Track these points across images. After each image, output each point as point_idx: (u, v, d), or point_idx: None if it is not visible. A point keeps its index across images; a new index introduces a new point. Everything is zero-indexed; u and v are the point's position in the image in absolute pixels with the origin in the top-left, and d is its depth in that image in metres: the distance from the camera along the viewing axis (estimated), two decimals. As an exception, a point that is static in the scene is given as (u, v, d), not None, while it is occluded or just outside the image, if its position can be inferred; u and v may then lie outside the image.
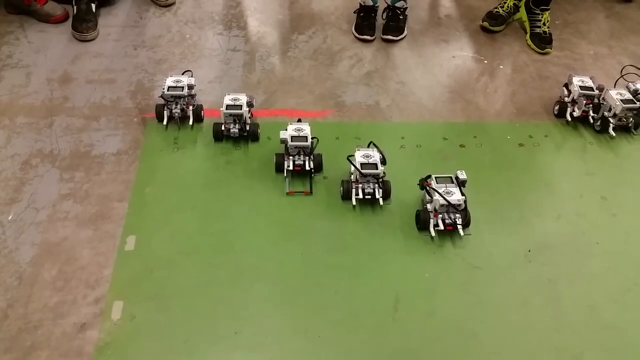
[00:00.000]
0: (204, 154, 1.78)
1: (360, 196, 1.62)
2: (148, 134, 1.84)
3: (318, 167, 1.71)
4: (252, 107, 1.85)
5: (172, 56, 2.17)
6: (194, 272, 1.46)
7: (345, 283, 1.46)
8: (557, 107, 1.99)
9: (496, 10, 2.41)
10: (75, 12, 2.23)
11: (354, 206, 1.64)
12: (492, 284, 1.49)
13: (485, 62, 2.26)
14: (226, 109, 1.75)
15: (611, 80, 2.07)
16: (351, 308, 1.41)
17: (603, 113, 1.92)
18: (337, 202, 1.66)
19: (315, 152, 1.71)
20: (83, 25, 2.19)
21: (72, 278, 1.43)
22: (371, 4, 2.30)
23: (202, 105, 1.89)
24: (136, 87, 2.02)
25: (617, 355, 1.36)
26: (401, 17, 2.33)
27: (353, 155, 1.64)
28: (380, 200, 1.62)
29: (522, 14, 2.41)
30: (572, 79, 1.97)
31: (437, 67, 2.22)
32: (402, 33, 2.34)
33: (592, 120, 1.94)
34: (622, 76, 2.06)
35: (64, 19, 2.28)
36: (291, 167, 1.68)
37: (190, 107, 1.85)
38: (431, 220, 1.57)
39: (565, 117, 1.97)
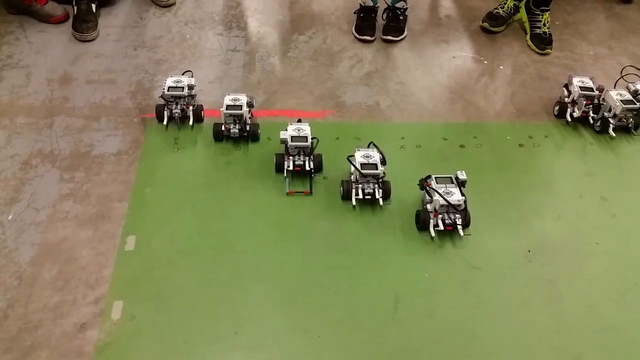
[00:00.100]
0: (204, 154, 1.78)
1: (360, 196, 1.62)
2: (148, 134, 1.84)
3: (318, 168, 1.71)
4: (252, 107, 1.85)
5: (172, 56, 2.17)
6: (194, 272, 1.46)
7: (345, 283, 1.46)
8: (557, 108, 1.99)
9: (496, 10, 2.41)
10: (75, 12, 2.23)
11: (353, 206, 1.64)
12: (492, 284, 1.49)
13: (486, 62, 2.26)
14: (226, 109, 1.76)
15: (611, 81, 2.08)
16: (351, 308, 1.41)
17: (603, 113, 1.92)
18: (337, 202, 1.66)
19: (315, 152, 1.71)
20: (83, 25, 2.19)
21: (72, 278, 1.43)
22: (371, 4, 2.30)
23: (202, 105, 1.89)
24: (136, 87, 2.02)
25: (616, 356, 1.36)
26: (401, 18, 2.33)
27: (353, 156, 1.64)
28: (380, 200, 1.62)
29: (522, 14, 2.41)
30: (572, 80, 1.97)
31: (437, 67, 2.22)
32: (402, 33, 2.34)
33: (592, 121, 1.95)
34: (622, 77, 2.06)
35: (64, 19, 2.28)
36: (291, 168, 1.68)
37: (191, 108, 1.85)
38: (431, 221, 1.57)
39: (565, 118, 1.97)
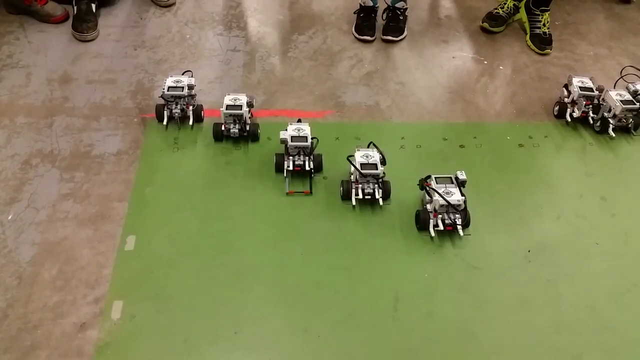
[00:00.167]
0: (204, 154, 1.78)
1: (360, 196, 1.62)
2: (148, 134, 1.84)
3: (318, 168, 1.72)
4: (252, 107, 1.85)
5: (172, 56, 2.17)
6: (194, 272, 1.46)
7: (345, 283, 1.46)
8: (556, 108, 1.99)
9: (496, 11, 2.41)
10: (75, 12, 2.23)
11: (353, 206, 1.64)
12: (492, 285, 1.49)
13: (485, 62, 2.26)
14: (226, 109, 1.76)
15: (611, 81, 2.08)
16: (351, 308, 1.41)
17: (603, 114, 1.92)
18: (337, 202, 1.66)
19: (315, 152, 1.71)
20: (83, 25, 2.19)
21: (72, 278, 1.43)
22: (371, 4, 2.30)
23: (202, 105, 1.89)
24: (136, 87, 2.02)
25: (616, 356, 1.36)
26: (401, 18, 2.33)
27: (353, 156, 1.64)
28: (380, 200, 1.62)
29: (522, 14, 2.41)
30: (571, 80, 1.97)
31: (437, 67, 2.22)
32: (402, 34, 2.34)
33: (591, 121, 1.95)
34: (621, 77, 2.06)
35: (64, 19, 2.28)
36: (291, 167, 1.68)
37: (190, 107, 1.85)
38: (431, 221, 1.57)
39: (565, 118, 1.97)
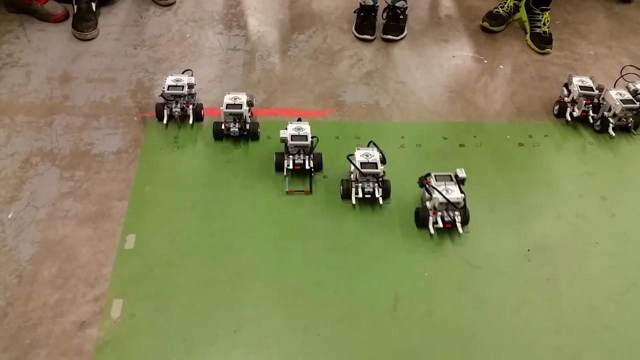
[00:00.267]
0: (204, 153, 1.78)
1: (360, 195, 1.62)
2: (148, 132, 1.84)
3: (318, 166, 1.72)
4: (252, 106, 1.85)
5: (172, 55, 2.17)
6: (194, 271, 1.46)
7: (345, 282, 1.46)
8: (557, 107, 1.99)
9: (496, 10, 2.41)
10: (75, 11, 2.23)
11: (353, 205, 1.64)
12: (492, 284, 1.49)
13: (485, 62, 2.26)
14: (226, 108, 1.75)
15: (611, 81, 2.08)
16: (350, 307, 1.41)
17: (603, 113, 1.92)
18: (337, 202, 1.66)
19: (315, 151, 1.71)
20: (83, 24, 2.19)
21: (72, 276, 1.43)
22: (371, 3, 2.30)
23: (202, 104, 1.89)
24: (136, 86, 2.02)
25: (616, 356, 1.36)
26: (401, 17, 2.33)
27: (353, 155, 1.64)
28: (380, 199, 1.62)
29: (522, 14, 2.41)
30: (572, 79, 1.97)
31: (437, 66, 2.22)
32: (402, 33, 2.34)
33: (591, 120, 1.95)
34: (621, 76, 2.06)
35: (64, 18, 2.28)
36: (291, 166, 1.68)
37: (190, 106, 1.85)
38: (430, 218, 1.57)
39: (565, 117, 1.97)
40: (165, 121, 1.84)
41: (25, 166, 1.70)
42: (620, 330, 1.41)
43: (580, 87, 1.93)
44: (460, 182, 1.58)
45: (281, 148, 1.71)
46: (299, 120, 1.74)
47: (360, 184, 1.63)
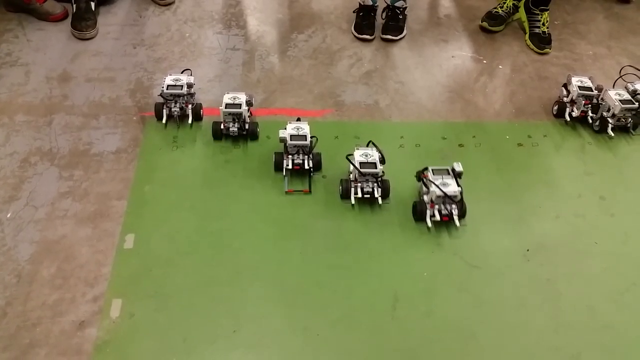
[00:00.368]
0: (203, 153, 1.78)
1: (359, 195, 1.62)
2: (147, 132, 1.84)
3: (317, 166, 1.72)
4: (252, 106, 1.85)
5: (172, 55, 2.17)
6: (193, 271, 1.46)
7: (344, 282, 1.46)
8: (556, 107, 1.99)
9: (495, 10, 2.41)
10: (74, 10, 2.22)
11: (352, 205, 1.64)
12: (491, 284, 1.49)
13: (485, 62, 2.26)
14: (225, 108, 1.75)
15: (610, 81, 2.08)
16: (350, 307, 1.41)
17: (602, 113, 1.92)
18: (336, 201, 1.66)
19: (315, 151, 1.71)
20: (82, 23, 2.19)
21: (71, 276, 1.43)
22: (371, 3, 2.30)
23: (201, 104, 1.89)
24: (135, 85, 2.01)
25: (615, 355, 1.37)
26: (401, 17, 2.33)
27: (352, 154, 1.64)
28: (379, 199, 1.62)
29: (522, 14, 2.41)
30: (571, 79, 1.97)
31: (436, 66, 2.22)
32: (401, 33, 2.34)
33: (590, 121, 1.95)
34: (620, 76, 2.06)
35: (64, 17, 2.28)
36: (290, 166, 1.68)
37: (190, 106, 1.85)
38: (428, 211, 1.57)
39: (564, 117, 1.97)
40: (164, 121, 1.84)
41: (24, 166, 1.69)
42: (620, 330, 1.41)
43: (579, 87, 1.93)
44: (457, 175, 1.59)
45: (280, 148, 1.71)
46: (298, 120, 1.74)
47: (359, 184, 1.63)
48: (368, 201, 1.65)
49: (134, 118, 1.88)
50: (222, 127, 1.79)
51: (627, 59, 2.30)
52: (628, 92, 1.94)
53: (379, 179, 1.63)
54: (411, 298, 1.44)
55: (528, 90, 2.13)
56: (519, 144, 1.90)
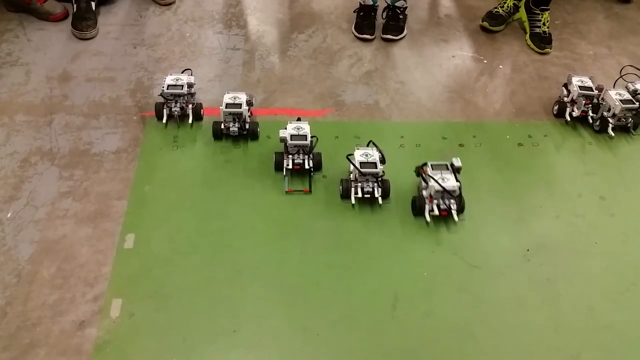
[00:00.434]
0: (203, 153, 1.78)
1: (360, 195, 1.62)
2: (147, 132, 1.84)
3: (317, 166, 1.72)
4: (252, 105, 1.84)
5: (172, 55, 2.17)
6: (193, 271, 1.46)
7: (344, 282, 1.46)
8: (556, 107, 1.99)
9: (496, 10, 2.41)
10: (75, 10, 2.22)
11: (353, 205, 1.64)
12: (491, 284, 1.49)
13: (485, 61, 2.26)
14: (226, 108, 1.75)
15: (610, 81, 2.08)
16: (350, 307, 1.42)
17: (602, 113, 1.92)
18: (336, 201, 1.66)
19: (315, 151, 1.71)
20: (83, 23, 2.19)
21: (71, 276, 1.43)
22: (371, 3, 2.30)
23: (201, 103, 1.89)
24: (136, 85, 2.02)
25: (615, 355, 1.37)
26: (401, 17, 2.33)
27: (352, 154, 1.64)
28: (380, 199, 1.62)
29: (522, 14, 2.41)
30: (571, 79, 1.97)
31: (436, 66, 2.22)
32: (401, 32, 2.34)
33: (591, 120, 1.95)
34: (621, 76, 2.06)
35: (64, 17, 2.28)
36: (290, 166, 1.68)
37: (190, 106, 1.85)
38: (426, 206, 1.58)
39: (565, 117, 1.97)
40: (164, 120, 1.84)
41: (24, 165, 1.70)
42: (620, 330, 1.41)
43: (579, 87, 1.93)
44: (455, 170, 1.59)
45: (280, 148, 1.71)
46: (299, 119, 1.74)
47: (359, 184, 1.63)
48: (368, 201, 1.65)
49: (134, 118, 1.88)
50: (222, 126, 1.79)
51: (627, 59, 2.30)
52: (628, 92, 1.93)
53: (379, 178, 1.63)
54: (411, 298, 1.44)
55: (528, 90, 2.13)
56: (519, 144, 1.90)
